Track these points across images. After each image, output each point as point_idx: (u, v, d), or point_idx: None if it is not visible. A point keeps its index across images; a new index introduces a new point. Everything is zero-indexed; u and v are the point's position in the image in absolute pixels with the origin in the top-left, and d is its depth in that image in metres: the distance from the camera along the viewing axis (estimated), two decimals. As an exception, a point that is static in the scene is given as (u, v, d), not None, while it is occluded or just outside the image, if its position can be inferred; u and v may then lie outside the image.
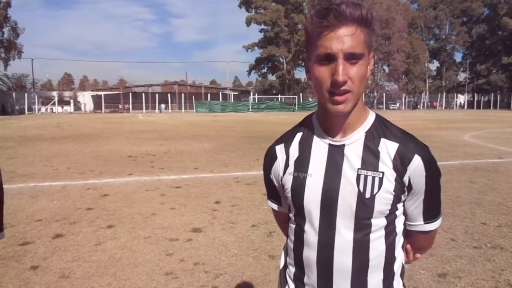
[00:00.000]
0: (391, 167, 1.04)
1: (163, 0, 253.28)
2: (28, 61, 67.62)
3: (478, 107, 63.35)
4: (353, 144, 1.08)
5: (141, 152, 11.06)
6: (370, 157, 1.06)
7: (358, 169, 1.05)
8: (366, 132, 1.08)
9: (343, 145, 1.08)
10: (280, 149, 1.18)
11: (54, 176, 7.70)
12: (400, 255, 1.15)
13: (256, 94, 62.48)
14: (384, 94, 61.79)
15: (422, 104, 65.42)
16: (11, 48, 48.98)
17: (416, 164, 1.04)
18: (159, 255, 3.75)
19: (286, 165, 1.15)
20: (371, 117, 1.11)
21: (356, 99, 1.01)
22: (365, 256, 1.07)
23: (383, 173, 1.04)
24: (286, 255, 1.24)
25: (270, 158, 1.21)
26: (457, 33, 69.70)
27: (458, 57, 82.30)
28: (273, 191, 1.26)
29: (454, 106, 66.71)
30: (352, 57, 0.97)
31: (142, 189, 6.54)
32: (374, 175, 1.04)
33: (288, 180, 1.14)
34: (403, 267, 1.17)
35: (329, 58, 0.97)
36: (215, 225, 4.66)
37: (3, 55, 49.05)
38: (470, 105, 65.60)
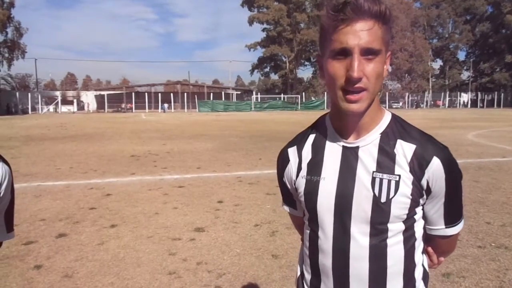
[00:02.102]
0: (407, 170, 1.00)
1: (166, 0, 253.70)
2: (31, 61, 68.17)
3: (482, 106, 63.07)
4: (368, 146, 1.03)
5: (144, 152, 11.08)
6: (386, 160, 1.01)
7: (373, 172, 1.01)
8: (381, 133, 1.04)
9: (357, 147, 1.04)
10: (292, 152, 1.15)
11: (57, 175, 7.72)
12: (421, 261, 1.10)
13: (259, 94, 62.56)
14: (387, 93, 61.63)
15: (425, 103, 65.20)
16: (15, 48, 49.18)
17: (435, 166, 0.99)
18: (162, 255, 3.75)
19: (299, 168, 1.12)
20: (386, 117, 1.06)
21: (371, 98, 0.97)
22: (382, 262, 1.02)
23: (399, 176, 0.99)
24: (302, 262, 1.20)
25: (282, 160, 1.18)
26: (460, 32, 69.37)
27: (461, 55, 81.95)
28: (288, 195, 1.22)
29: (458, 104, 66.45)
30: (369, 53, 0.92)
31: (145, 188, 6.54)
32: (390, 178, 1.00)
33: (301, 184, 1.10)
34: (425, 273, 1.12)
35: (345, 53, 0.92)
36: (218, 224, 4.66)
37: (6, 55, 49.27)
38: (474, 103, 65.33)
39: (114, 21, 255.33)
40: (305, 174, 1.10)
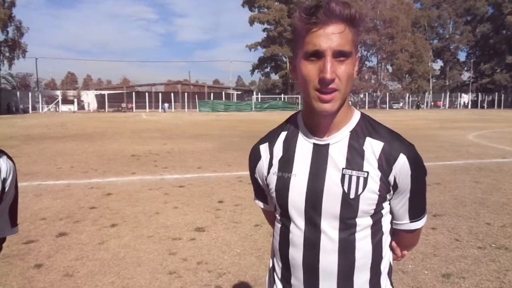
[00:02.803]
0: (376, 166, 1.03)
1: (166, 0, 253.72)
2: (32, 60, 68.20)
3: (482, 107, 63.02)
4: (338, 144, 1.06)
5: (145, 151, 11.09)
6: (355, 157, 1.04)
7: (343, 168, 1.04)
8: (351, 131, 1.07)
9: (328, 145, 1.07)
10: (264, 148, 1.17)
11: (58, 175, 7.73)
12: (387, 254, 1.14)
13: (259, 94, 62.56)
14: (387, 94, 61.64)
15: (425, 104, 65.18)
16: (16, 47, 49.20)
17: (402, 163, 1.03)
18: (162, 254, 3.76)
19: (270, 165, 1.14)
20: (356, 116, 1.10)
21: (343, 98, 1.00)
22: (351, 256, 1.06)
23: (367, 172, 1.03)
24: (273, 256, 1.23)
25: (254, 157, 1.20)
26: (461, 32, 69.36)
27: (462, 56, 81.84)
28: (259, 190, 1.25)
29: (458, 105, 66.46)
30: (340, 55, 0.95)
31: (146, 188, 6.55)
32: (359, 175, 1.03)
33: (272, 180, 1.13)
34: (390, 266, 1.16)
35: (317, 55, 0.95)
36: (218, 224, 4.66)
37: (7, 54, 49.29)
38: (474, 104, 65.30)
39: (114, 21, 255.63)
40: (276, 170, 1.12)
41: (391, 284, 1.18)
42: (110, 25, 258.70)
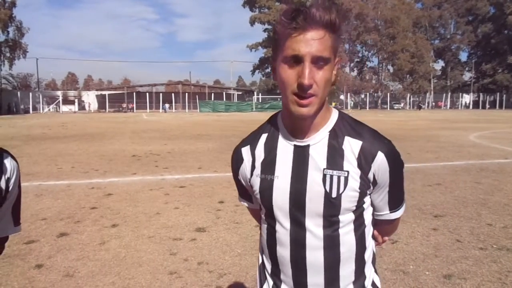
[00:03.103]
0: (355, 165, 1.06)
1: (167, 0, 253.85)
2: (32, 61, 68.27)
3: (484, 107, 63.01)
4: (318, 144, 1.08)
5: (145, 152, 11.09)
6: (335, 156, 1.07)
7: (324, 169, 1.07)
8: (330, 131, 1.09)
9: (308, 146, 1.09)
10: (246, 151, 1.19)
11: (59, 175, 7.73)
12: (371, 244, 1.18)
13: (260, 94, 62.53)
14: (388, 94, 61.61)
15: (426, 104, 65.14)
16: (16, 47, 49.30)
17: (380, 160, 1.05)
18: (163, 255, 3.75)
19: (253, 167, 1.16)
20: (334, 116, 1.12)
21: (321, 102, 1.02)
22: (336, 250, 1.10)
23: (348, 172, 1.06)
24: (262, 252, 1.26)
25: (237, 159, 1.22)
26: (462, 32, 69.36)
27: (463, 56, 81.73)
28: (243, 191, 1.28)
29: (459, 106, 66.42)
30: (319, 61, 0.96)
31: (146, 188, 6.55)
32: (340, 175, 1.06)
33: (256, 182, 1.15)
34: (374, 255, 1.21)
35: (296, 60, 0.97)
36: (219, 224, 4.66)
37: (8, 54, 49.39)
38: (476, 105, 65.27)
39: (115, 21, 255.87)
40: (259, 173, 1.15)
41: (375, 271, 1.22)
42: (110, 25, 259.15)
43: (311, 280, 1.12)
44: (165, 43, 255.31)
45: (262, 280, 1.26)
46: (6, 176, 1.14)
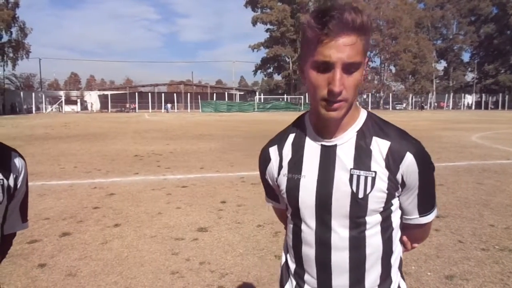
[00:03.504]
0: (383, 165, 1.04)
1: (169, 0, 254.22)
2: (35, 61, 68.35)
3: (486, 108, 62.83)
4: (345, 144, 1.08)
5: (147, 152, 11.11)
6: (362, 157, 1.06)
7: (351, 169, 1.06)
8: (357, 131, 1.08)
9: (335, 146, 1.08)
10: (273, 151, 1.19)
11: (61, 175, 7.76)
12: (398, 248, 1.16)
13: (262, 94, 62.54)
14: (390, 94, 61.51)
15: (429, 105, 64.99)
16: (19, 48, 49.39)
17: (408, 161, 1.04)
18: (165, 254, 3.76)
19: (280, 167, 1.16)
20: (362, 116, 1.11)
21: (350, 105, 1.02)
22: (362, 252, 1.08)
23: (375, 172, 1.04)
24: (286, 252, 1.26)
25: (264, 159, 1.22)
26: (465, 33, 69.11)
27: (465, 57, 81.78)
28: (270, 190, 1.27)
29: (462, 106, 66.20)
30: (350, 67, 0.96)
31: (148, 188, 6.56)
32: (367, 175, 1.04)
33: (282, 181, 1.15)
34: (401, 260, 1.19)
35: (327, 67, 0.96)
36: (221, 224, 4.66)
37: (11, 54, 49.48)
38: (478, 105, 65.06)
39: (117, 21, 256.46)
40: (286, 172, 1.14)
41: (402, 276, 1.20)
42: (113, 26, 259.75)
43: (336, 282, 1.11)
44: (167, 43, 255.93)
45: (285, 280, 1.26)
46: (15, 174, 1.18)
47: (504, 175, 7.48)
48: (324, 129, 1.09)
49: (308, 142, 1.12)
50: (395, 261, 1.15)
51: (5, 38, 48.23)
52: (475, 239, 4.11)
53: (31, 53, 51.47)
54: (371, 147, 1.06)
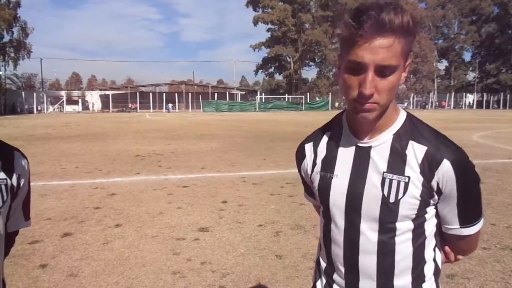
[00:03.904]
0: (418, 171, 1.01)
1: (170, 0, 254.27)
2: (37, 61, 68.55)
3: (487, 107, 62.73)
4: (380, 146, 1.05)
5: (149, 152, 11.12)
6: (397, 161, 1.03)
7: (384, 172, 1.03)
8: (394, 134, 1.05)
9: (370, 147, 1.06)
10: (309, 147, 1.19)
11: (63, 175, 7.77)
12: (431, 257, 1.11)
13: (263, 94, 62.48)
14: (391, 94, 61.30)
15: (430, 104, 64.90)
16: (21, 48, 49.43)
17: (445, 169, 0.99)
18: (166, 254, 3.77)
19: (314, 164, 1.17)
20: (401, 118, 1.07)
21: (383, 108, 0.99)
22: (390, 258, 1.06)
23: (409, 177, 1.01)
24: (319, 250, 1.26)
25: (300, 155, 1.23)
26: (466, 32, 68.95)
27: (467, 56, 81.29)
28: (307, 186, 1.28)
29: (463, 105, 66.08)
30: (385, 70, 0.93)
31: (150, 188, 6.57)
32: (400, 180, 1.01)
33: (315, 179, 1.15)
34: (436, 268, 1.13)
35: (360, 68, 0.93)
36: (222, 224, 4.66)
37: (12, 54, 49.51)
38: (479, 104, 64.96)
39: (118, 21, 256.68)
40: (319, 170, 1.15)
41: (438, 286, 1.14)
42: (114, 25, 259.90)
43: (363, 284, 1.09)
44: (168, 43, 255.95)
45: (317, 277, 1.25)
46: (18, 174, 1.20)
47: (506, 174, 7.48)
48: (359, 129, 1.07)
49: (343, 141, 1.11)
50: (428, 271, 1.10)
51: (7, 38, 48.30)
52: (477, 238, 4.10)
53: (33, 53, 51.51)
54: (407, 151, 1.02)
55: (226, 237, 4.23)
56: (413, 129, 1.05)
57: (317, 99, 58.21)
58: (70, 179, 7.37)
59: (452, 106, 64.90)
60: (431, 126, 1.07)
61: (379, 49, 0.90)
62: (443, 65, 74.40)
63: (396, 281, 1.07)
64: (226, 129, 19.77)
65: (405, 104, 62.84)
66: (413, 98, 63.51)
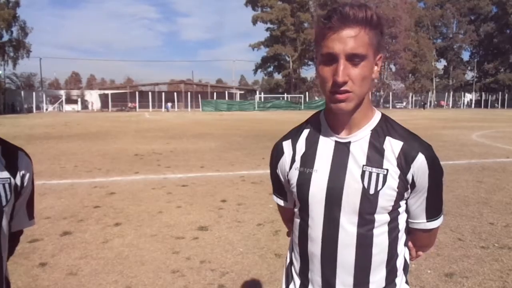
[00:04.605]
0: (395, 164, 1.07)
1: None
2: (36, 60, 68.43)
3: (486, 106, 62.80)
4: (359, 142, 1.10)
5: (148, 151, 11.12)
6: (375, 154, 1.08)
7: (363, 165, 1.08)
8: (371, 130, 1.11)
9: (349, 142, 1.11)
10: (287, 145, 1.21)
11: (62, 174, 7.77)
12: (402, 252, 1.17)
13: (262, 93, 62.40)
14: (390, 93, 61.44)
15: (429, 103, 64.95)
16: (20, 47, 49.34)
17: (420, 162, 1.06)
18: (165, 253, 3.78)
19: (293, 161, 1.18)
20: (377, 116, 1.14)
21: (358, 99, 1.04)
22: (368, 251, 1.09)
23: (387, 170, 1.06)
24: (292, 251, 1.27)
25: (277, 153, 1.24)
26: (465, 32, 69.01)
27: (465, 55, 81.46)
28: (279, 186, 1.28)
29: (462, 105, 66.16)
30: (354, 58, 0.99)
31: (149, 187, 6.57)
32: (379, 172, 1.07)
33: (294, 175, 1.16)
34: (406, 264, 1.19)
35: (332, 59, 1.00)
36: (221, 223, 4.67)
37: (12, 54, 49.42)
38: (478, 104, 65.03)
39: (117, 20, 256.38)
40: (298, 166, 1.16)
41: (407, 281, 1.20)
42: (113, 25, 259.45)
43: (340, 280, 1.11)
44: (167, 42, 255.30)
45: (289, 279, 1.26)
46: (21, 173, 1.21)
47: (504, 173, 7.50)
48: (338, 125, 1.12)
49: (322, 137, 1.15)
50: (400, 265, 1.16)
51: (6, 37, 48.19)
52: (475, 237, 4.12)
53: (32, 53, 51.38)
54: (384, 146, 1.09)
55: (225, 236, 4.24)
56: (389, 126, 1.12)
57: (316, 98, 58.13)
58: (70, 178, 7.37)
59: (450, 105, 64.99)
60: (403, 126, 1.15)
61: (347, 38, 0.98)
62: (441, 64, 74.52)
63: (372, 276, 1.11)
64: (225, 129, 19.77)
65: (404, 103, 62.95)
66: (412, 98, 63.54)
